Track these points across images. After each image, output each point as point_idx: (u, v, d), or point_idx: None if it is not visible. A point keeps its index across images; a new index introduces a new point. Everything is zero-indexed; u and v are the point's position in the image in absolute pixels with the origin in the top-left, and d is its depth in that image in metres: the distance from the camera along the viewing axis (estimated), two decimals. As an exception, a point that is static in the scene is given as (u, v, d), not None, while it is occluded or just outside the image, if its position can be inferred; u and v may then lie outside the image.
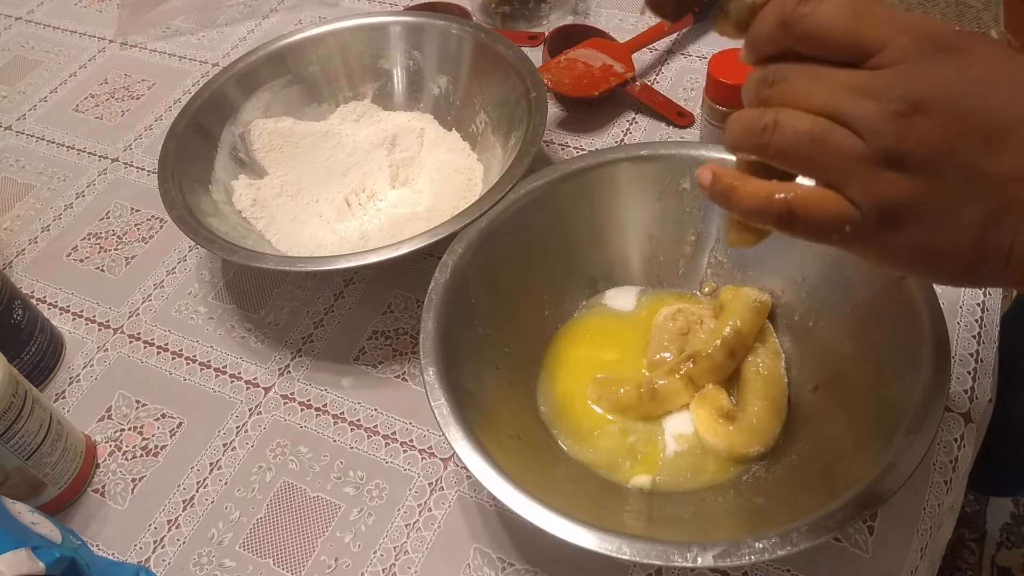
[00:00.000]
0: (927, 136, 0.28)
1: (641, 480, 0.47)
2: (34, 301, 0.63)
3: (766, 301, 0.52)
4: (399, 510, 0.49)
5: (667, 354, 0.51)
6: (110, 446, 0.54)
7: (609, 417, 0.50)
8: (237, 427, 0.54)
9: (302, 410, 0.55)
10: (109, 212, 0.70)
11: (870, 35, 0.29)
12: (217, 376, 0.57)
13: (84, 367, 0.59)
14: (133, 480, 0.53)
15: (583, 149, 0.70)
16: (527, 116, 0.58)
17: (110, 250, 0.67)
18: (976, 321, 0.54)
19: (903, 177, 0.28)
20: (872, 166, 0.29)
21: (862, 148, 0.29)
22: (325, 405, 0.55)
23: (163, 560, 0.49)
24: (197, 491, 0.51)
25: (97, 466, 0.53)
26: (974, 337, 0.54)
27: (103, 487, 0.52)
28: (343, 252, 0.59)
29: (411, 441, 0.52)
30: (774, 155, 0.31)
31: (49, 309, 0.63)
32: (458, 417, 0.43)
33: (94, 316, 0.62)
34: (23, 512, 0.42)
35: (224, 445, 0.53)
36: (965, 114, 0.28)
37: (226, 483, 0.52)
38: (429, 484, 0.50)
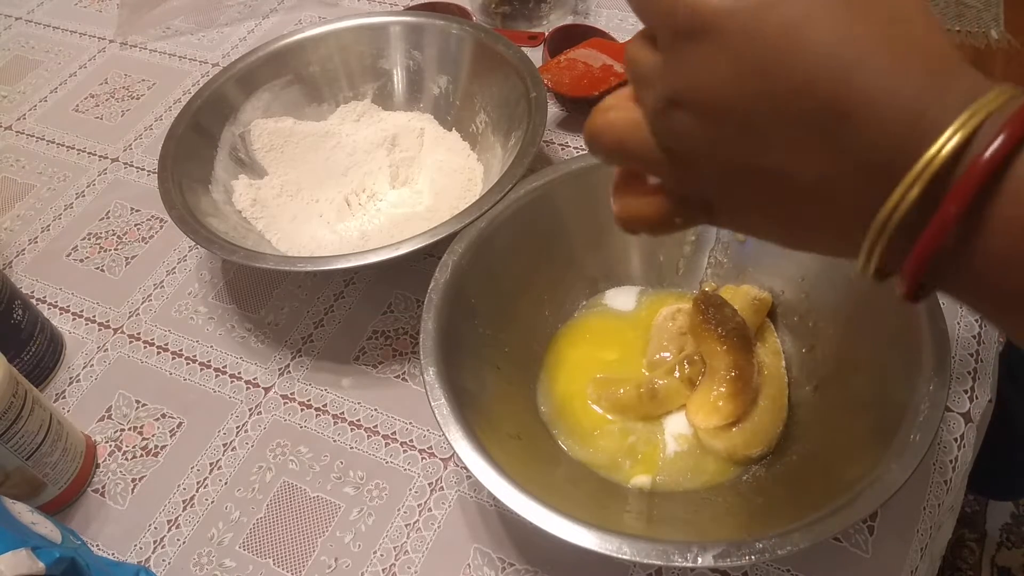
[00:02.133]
0: (686, 131, 0.27)
1: (641, 480, 0.47)
2: (34, 301, 0.63)
3: (765, 299, 0.52)
4: (399, 510, 0.49)
5: (667, 354, 0.51)
6: (110, 446, 0.54)
7: (609, 417, 0.50)
8: (237, 427, 0.54)
9: (302, 410, 0.55)
10: (109, 212, 0.70)
11: (650, 17, 0.28)
12: (217, 376, 0.57)
13: (84, 367, 0.59)
14: (133, 480, 0.53)
15: (583, 149, 0.70)
16: (527, 116, 0.58)
17: (110, 250, 0.67)
18: (976, 321, 0.54)
19: (686, 170, 0.28)
20: (664, 158, 0.28)
21: (652, 141, 0.28)
22: (325, 405, 0.55)
23: (163, 560, 0.49)
24: (197, 491, 0.51)
25: (97, 466, 0.53)
26: (974, 337, 0.54)
27: (103, 487, 0.52)
28: (343, 252, 0.59)
29: (411, 441, 0.52)
30: (602, 156, 0.31)
31: (49, 309, 0.63)
32: (458, 417, 0.43)
33: (94, 316, 0.62)
34: (23, 512, 0.42)
35: (224, 445, 0.53)
36: (713, 106, 0.26)
37: (226, 483, 0.52)
38: (429, 484, 0.50)
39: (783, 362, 0.51)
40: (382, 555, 0.48)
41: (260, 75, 0.68)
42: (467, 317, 0.49)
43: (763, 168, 0.26)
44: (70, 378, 0.59)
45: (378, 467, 0.51)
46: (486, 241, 0.51)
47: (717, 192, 0.28)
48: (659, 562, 0.37)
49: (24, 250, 0.68)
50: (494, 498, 0.41)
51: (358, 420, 0.54)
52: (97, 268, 0.66)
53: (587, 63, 0.72)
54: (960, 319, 0.54)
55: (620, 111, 0.30)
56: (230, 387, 0.57)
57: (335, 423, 0.54)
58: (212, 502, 0.51)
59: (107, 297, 0.63)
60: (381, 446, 0.52)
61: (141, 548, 0.49)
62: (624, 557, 0.37)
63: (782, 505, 0.43)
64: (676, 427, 0.49)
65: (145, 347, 0.60)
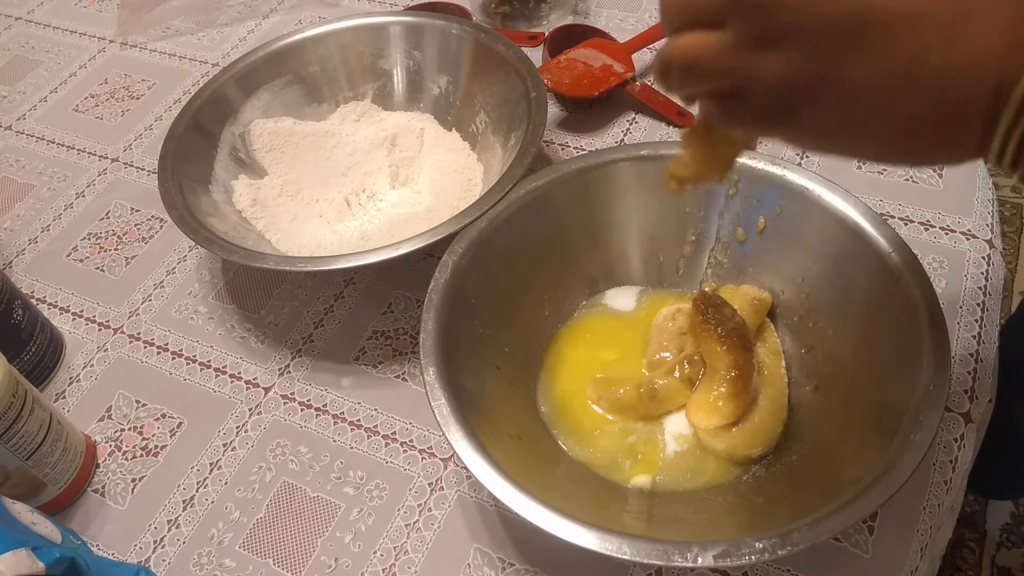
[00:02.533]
0: (772, 4, 0.26)
1: (641, 480, 0.47)
2: (34, 301, 0.63)
3: (765, 299, 0.52)
4: (399, 510, 0.49)
5: (667, 354, 0.51)
6: (110, 446, 0.54)
7: (609, 417, 0.50)
8: (237, 427, 0.54)
9: (302, 410, 0.55)
10: (109, 212, 0.70)
11: None
12: (217, 376, 0.57)
13: (84, 367, 0.59)
14: (133, 480, 0.53)
15: (583, 149, 0.70)
16: (527, 116, 0.58)
17: (110, 250, 0.67)
18: (976, 321, 0.54)
19: (775, 54, 0.27)
20: (745, 55, 0.27)
21: (727, 41, 0.28)
22: (325, 405, 0.55)
23: (163, 560, 0.49)
24: (197, 491, 0.51)
25: (97, 466, 0.53)
26: (974, 337, 0.54)
27: (103, 487, 0.52)
28: (343, 252, 0.59)
29: (411, 441, 0.52)
30: (673, 90, 0.31)
31: (49, 309, 0.63)
32: (458, 417, 0.43)
33: (94, 316, 0.62)
34: (23, 512, 0.42)
35: (224, 445, 0.53)
36: None
37: (226, 483, 0.52)
38: (429, 484, 0.50)
39: (783, 362, 0.51)
40: (382, 555, 0.48)
41: (260, 75, 0.68)
42: (467, 317, 0.49)
43: (878, 18, 0.24)
44: (70, 378, 0.59)
45: (378, 467, 0.51)
46: (486, 241, 0.51)
47: (813, 77, 0.27)
48: (659, 562, 0.37)
49: (24, 250, 0.68)
50: (494, 498, 0.41)
51: (358, 420, 0.54)
52: (97, 268, 0.66)
53: (587, 63, 0.72)
54: (960, 319, 0.54)
55: (684, 38, 0.29)
56: (230, 387, 0.57)
57: (335, 423, 0.54)
58: (212, 502, 0.51)
59: (107, 297, 0.63)
60: (381, 446, 0.52)
61: (141, 548, 0.49)
62: (624, 557, 0.37)
63: (782, 505, 0.43)
64: (676, 427, 0.49)
65: (145, 347, 0.60)
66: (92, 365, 0.59)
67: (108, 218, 0.70)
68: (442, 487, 0.50)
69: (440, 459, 0.51)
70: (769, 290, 0.53)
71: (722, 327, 0.48)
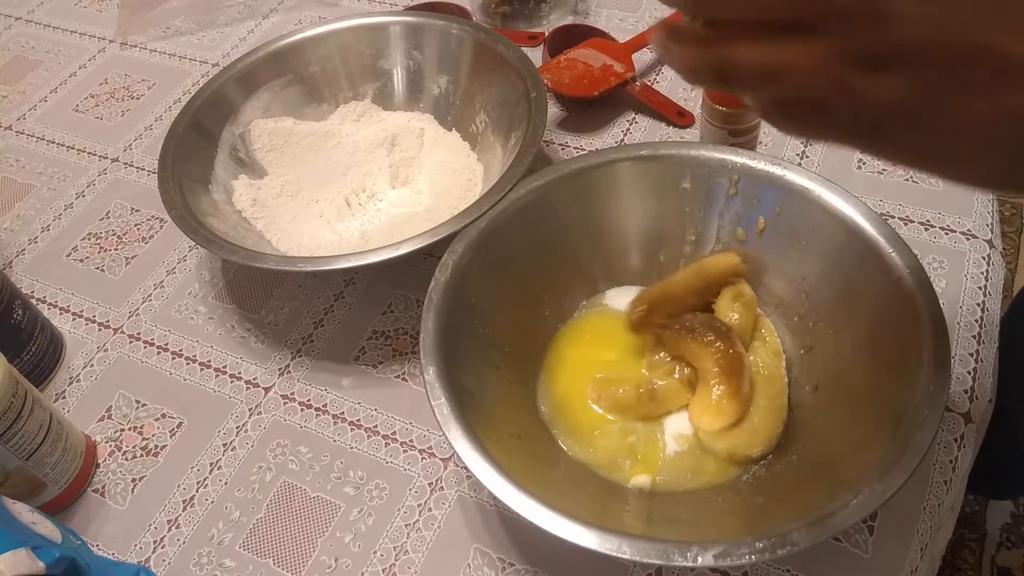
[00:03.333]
0: (905, 20, 0.23)
1: (641, 480, 0.47)
2: (34, 301, 0.63)
3: (747, 292, 0.52)
4: (399, 510, 0.49)
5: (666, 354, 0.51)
6: (110, 446, 0.54)
7: (609, 417, 0.50)
8: (237, 427, 0.54)
9: (302, 410, 0.55)
10: (109, 212, 0.70)
11: None
12: (217, 376, 0.57)
13: (84, 367, 0.59)
14: (133, 480, 0.53)
15: (583, 149, 0.70)
16: (527, 116, 0.58)
17: (110, 250, 0.67)
18: (976, 321, 0.54)
19: (884, 75, 0.25)
20: (846, 69, 0.25)
21: (823, 51, 0.25)
22: (325, 405, 0.55)
23: (163, 560, 0.49)
24: (197, 491, 0.51)
25: (97, 466, 0.53)
26: (974, 337, 0.54)
27: (103, 487, 0.52)
28: (343, 252, 0.59)
29: (411, 441, 0.52)
30: (730, 91, 0.28)
31: (49, 309, 0.63)
32: (458, 417, 0.43)
33: (94, 316, 0.62)
34: (23, 512, 0.42)
35: (224, 445, 0.53)
36: None
37: (226, 483, 0.52)
38: (429, 484, 0.50)
39: (783, 362, 0.51)
40: (382, 555, 0.48)
41: (260, 75, 0.68)
42: (467, 317, 0.49)
43: (1008, 59, 0.23)
44: (70, 378, 0.59)
45: (378, 467, 0.51)
46: (486, 241, 0.51)
47: (923, 104, 0.25)
48: (659, 562, 0.37)
49: (24, 250, 0.68)
50: (494, 498, 0.41)
51: (358, 420, 0.54)
52: (97, 268, 0.66)
53: (587, 63, 0.72)
54: (960, 319, 0.54)
55: (761, 43, 0.26)
56: (230, 387, 0.57)
57: (335, 423, 0.54)
58: (212, 502, 0.51)
59: (107, 297, 0.63)
60: (381, 446, 0.52)
61: (141, 548, 0.49)
62: (624, 557, 0.37)
63: (782, 505, 0.43)
64: (676, 427, 0.49)
65: (145, 347, 0.60)
66: (92, 365, 0.59)
67: (108, 218, 0.70)
68: (442, 487, 0.50)
69: (440, 459, 0.51)
70: (769, 290, 0.53)
71: (681, 325, 0.48)
